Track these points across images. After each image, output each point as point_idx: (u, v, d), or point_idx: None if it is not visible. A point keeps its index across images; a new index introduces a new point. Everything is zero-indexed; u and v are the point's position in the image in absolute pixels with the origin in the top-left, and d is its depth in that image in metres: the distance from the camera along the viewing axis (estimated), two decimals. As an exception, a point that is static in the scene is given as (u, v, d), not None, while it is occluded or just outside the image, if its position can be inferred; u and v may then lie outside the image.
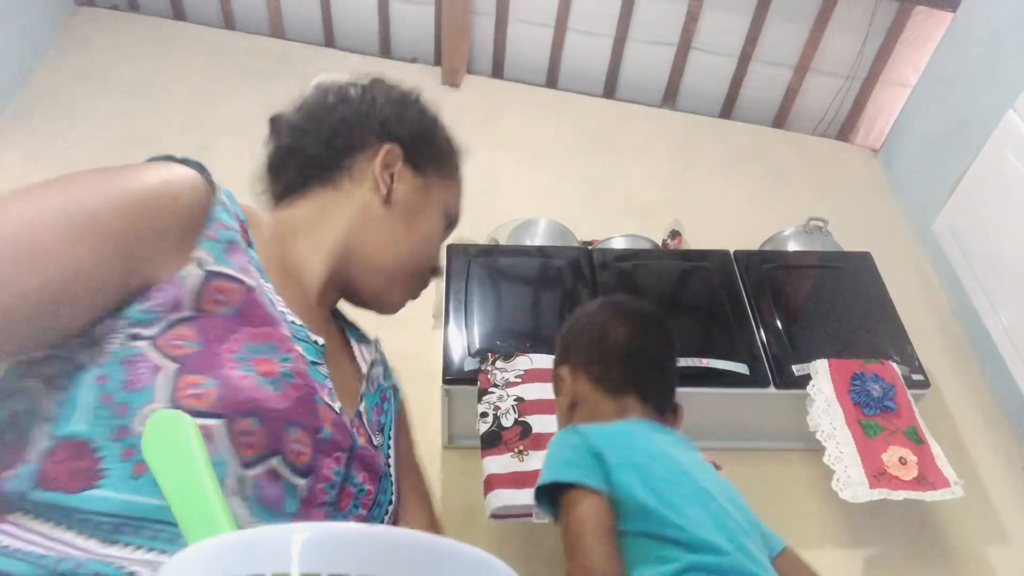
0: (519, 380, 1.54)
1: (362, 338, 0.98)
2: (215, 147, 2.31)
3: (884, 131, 2.67)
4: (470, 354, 1.61)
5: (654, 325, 1.15)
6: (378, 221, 0.84)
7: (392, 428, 0.92)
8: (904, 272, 2.18)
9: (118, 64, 2.62)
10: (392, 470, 0.88)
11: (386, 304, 0.90)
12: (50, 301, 0.60)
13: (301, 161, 0.87)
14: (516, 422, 1.47)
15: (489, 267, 1.80)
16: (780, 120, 2.78)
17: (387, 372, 0.98)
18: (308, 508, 0.70)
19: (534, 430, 1.46)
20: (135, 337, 0.64)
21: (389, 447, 0.89)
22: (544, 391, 1.53)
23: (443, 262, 0.89)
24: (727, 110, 2.80)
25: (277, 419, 0.66)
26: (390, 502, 0.85)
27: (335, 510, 0.74)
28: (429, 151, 0.89)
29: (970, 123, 2.14)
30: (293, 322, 0.74)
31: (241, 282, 0.69)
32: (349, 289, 0.87)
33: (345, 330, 0.95)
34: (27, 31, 2.55)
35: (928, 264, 2.28)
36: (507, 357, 1.58)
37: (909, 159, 2.48)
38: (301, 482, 0.69)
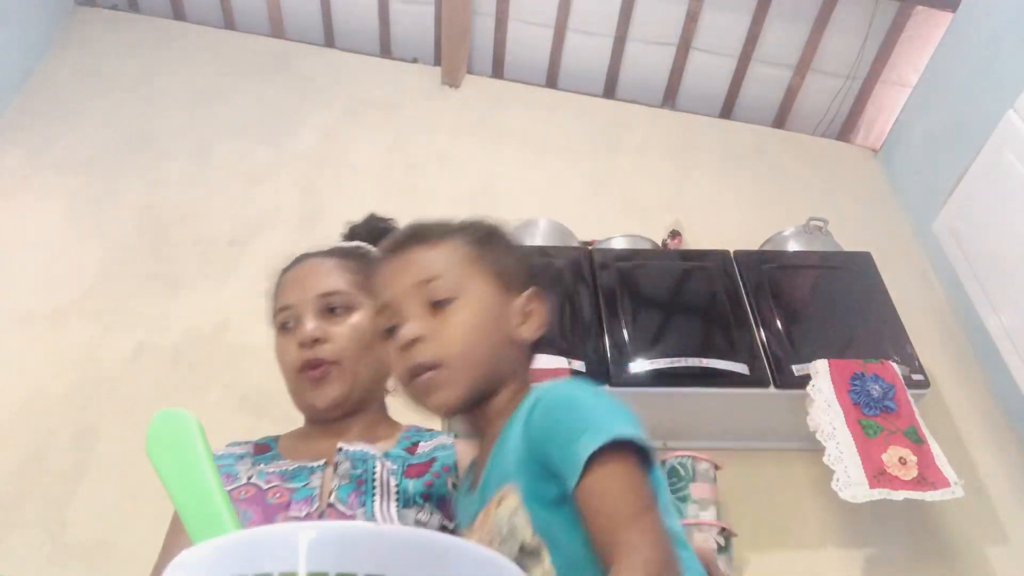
0: (519, 380, 1.54)
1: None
2: (215, 147, 2.31)
3: (884, 131, 2.66)
4: (470, 354, 1.61)
5: None
6: None
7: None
8: (904, 272, 2.18)
9: (118, 64, 2.61)
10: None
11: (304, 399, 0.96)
12: None
13: None
14: (517, 422, 1.47)
15: (489, 267, 1.80)
16: (780, 120, 2.77)
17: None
18: None
19: (535, 430, 1.46)
20: None
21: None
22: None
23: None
24: (727, 110, 2.79)
25: None
26: None
27: None
28: None
29: (970, 123, 2.14)
30: (285, 470, 0.91)
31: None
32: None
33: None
34: (27, 31, 2.54)
35: (928, 264, 2.28)
36: (507, 357, 1.58)
37: (909, 159, 2.48)
38: None
